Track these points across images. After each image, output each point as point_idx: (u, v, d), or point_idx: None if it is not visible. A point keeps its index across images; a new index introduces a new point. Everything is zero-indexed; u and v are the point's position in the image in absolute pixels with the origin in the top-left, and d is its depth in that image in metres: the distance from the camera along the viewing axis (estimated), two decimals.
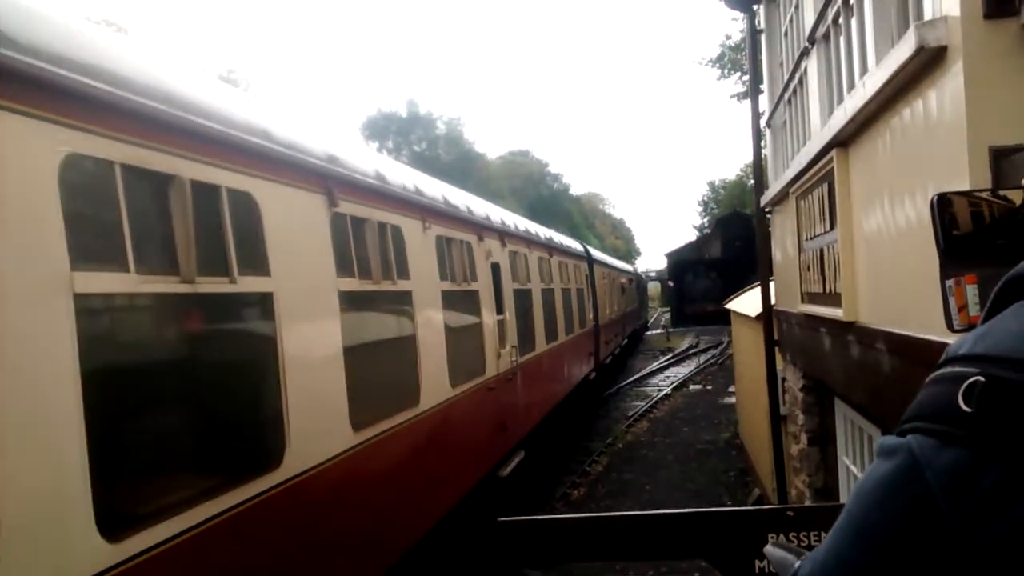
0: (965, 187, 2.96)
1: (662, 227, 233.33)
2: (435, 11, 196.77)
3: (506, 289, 10.96)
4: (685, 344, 43.05)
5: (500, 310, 10.48)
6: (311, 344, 5.11)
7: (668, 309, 64.23)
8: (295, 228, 5.04)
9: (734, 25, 32.14)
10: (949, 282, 1.31)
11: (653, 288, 78.31)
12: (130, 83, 3.57)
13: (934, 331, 3.24)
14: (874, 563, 0.86)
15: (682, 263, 57.40)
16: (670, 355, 37.65)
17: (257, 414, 4.59)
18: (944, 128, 3.36)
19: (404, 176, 7.54)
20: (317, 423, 5.02)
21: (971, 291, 1.29)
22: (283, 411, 4.60)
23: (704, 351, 37.56)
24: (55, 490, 2.96)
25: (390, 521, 6.27)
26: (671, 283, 59.73)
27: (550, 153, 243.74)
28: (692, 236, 72.39)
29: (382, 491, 6.19)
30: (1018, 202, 1.24)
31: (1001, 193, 1.27)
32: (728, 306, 18.47)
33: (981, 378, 0.82)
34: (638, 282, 49.79)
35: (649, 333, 53.81)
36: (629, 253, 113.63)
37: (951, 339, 0.98)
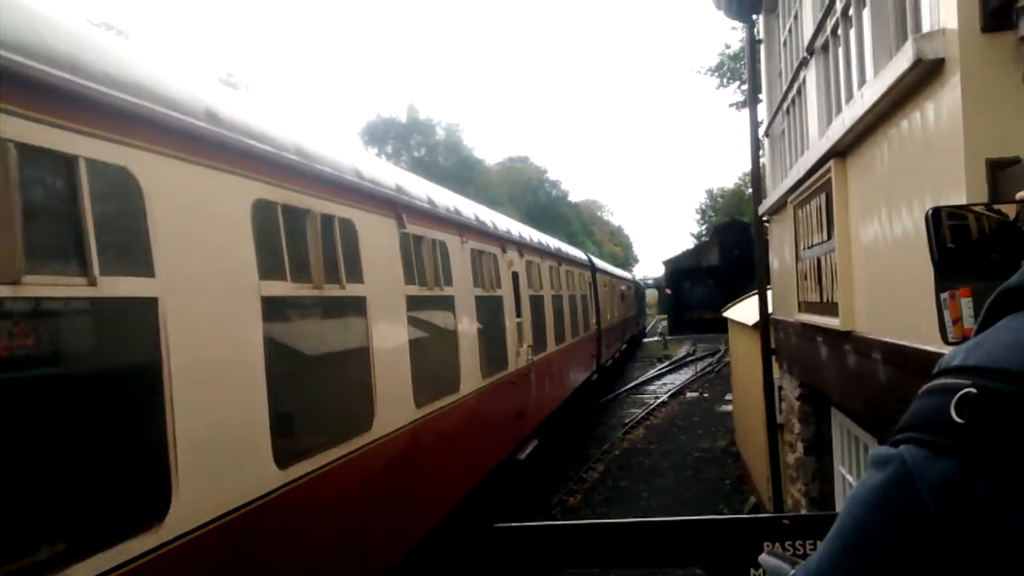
0: (962, 198, 2.98)
1: (660, 234, 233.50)
2: (435, 17, 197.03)
3: (523, 295, 12.34)
4: (682, 352, 43.12)
5: (519, 313, 11.84)
6: (389, 338, 6.54)
7: (665, 316, 64.14)
8: (378, 246, 6.48)
9: (733, 35, 32.21)
10: (944, 295, 1.32)
11: (651, 295, 78.22)
12: (285, 144, 4.99)
13: (930, 341, 3.26)
14: (866, 571, 0.87)
15: (680, 270, 57.18)
16: (667, 363, 37.71)
17: (359, 388, 6.01)
18: (941, 140, 3.38)
19: (447, 199, 9.02)
20: (394, 399, 6.49)
21: (965, 304, 1.30)
22: (373, 388, 6.07)
23: (701, 359, 37.60)
24: (250, 436, 4.38)
25: (441, 482, 7.78)
26: (668, 290, 59.63)
27: (549, 160, 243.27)
28: (690, 244, 72.17)
29: (434, 457, 7.59)
30: (1012, 216, 1.25)
31: (995, 207, 1.29)
32: (725, 314, 18.49)
33: (973, 390, 0.83)
34: (636, 289, 50.64)
35: (646, 340, 53.84)
36: (627, 260, 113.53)
37: (947, 350, 1.00)
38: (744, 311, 14.25)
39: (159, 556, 3.45)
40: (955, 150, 3.17)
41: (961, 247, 1.27)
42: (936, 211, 1.28)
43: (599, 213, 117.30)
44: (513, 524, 4.30)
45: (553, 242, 17.36)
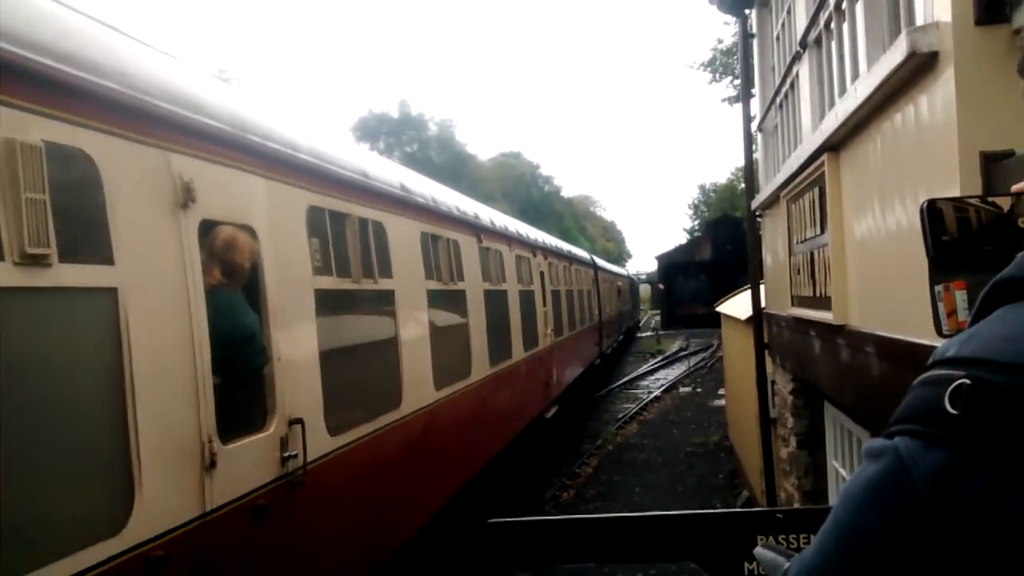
0: (956, 192, 2.98)
1: (653, 230, 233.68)
2: (427, 11, 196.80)
3: (547, 290, 15.47)
4: (675, 347, 43.14)
5: (544, 304, 14.96)
6: (475, 318, 9.62)
7: (658, 311, 64.19)
8: (469, 257, 9.58)
9: (726, 29, 32.18)
10: (938, 288, 1.31)
11: (644, 290, 78.34)
12: (430, 196, 8.25)
13: (924, 335, 3.26)
14: (861, 564, 0.87)
15: (673, 266, 57.44)
16: (660, 357, 37.73)
17: (464, 350, 9.10)
18: (935, 133, 3.38)
19: (502, 218, 12.82)
20: (479, 359, 9.57)
21: (960, 297, 1.30)
22: (470, 350, 9.25)
23: (694, 354, 37.61)
24: (425, 372, 7.44)
25: (506, 418, 11.33)
26: (661, 286, 59.74)
27: (542, 155, 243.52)
28: (683, 239, 72.46)
29: (500, 402, 10.95)
30: (1006, 208, 1.25)
31: (990, 199, 1.28)
32: (718, 309, 18.52)
33: (967, 381, 0.82)
34: (631, 285, 51.37)
35: (639, 335, 53.98)
36: (620, 255, 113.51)
37: (941, 343, 0.99)
38: (737, 306, 14.26)
39: (398, 423, 6.61)
40: (949, 143, 3.17)
41: (956, 240, 1.27)
42: (931, 204, 1.28)
43: (592, 208, 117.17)
44: (507, 519, 4.30)
45: (566, 246, 21.29)
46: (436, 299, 8.01)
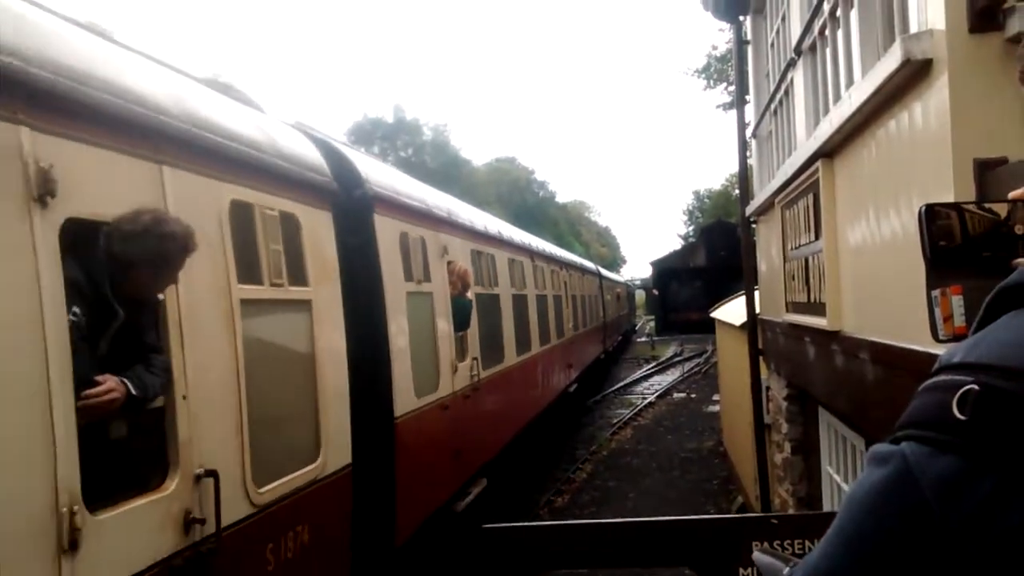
0: (950, 199, 2.98)
1: (647, 235, 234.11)
2: (422, 17, 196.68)
3: (569, 294, 20.37)
4: (669, 352, 43.13)
5: (567, 305, 19.83)
6: (532, 313, 14.21)
7: (652, 317, 64.17)
8: (528, 272, 14.41)
9: (720, 36, 32.26)
10: (935, 292, 1.31)
11: (638, 296, 78.39)
12: (522, 239, 15.60)
13: (918, 341, 3.27)
14: (866, 571, 0.86)
15: (667, 271, 57.44)
16: (654, 363, 37.71)
17: (527, 333, 13.65)
18: (929, 140, 3.39)
19: (543, 244, 18.56)
20: (534, 339, 14.20)
21: (956, 302, 1.30)
22: (529, 333, 13.78)
23: (688, 359, 37.62)
24: (511, 343, 12.24)
25: (546, 385, 15.60)
26: (656, 291, 59.76)
27: (536, 160, 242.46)
28: (677, 245, 72.52)
29: (546, 370, 15.40)
30: (1003, 214, 1.25)
31: (987, 205, 1.28)
32: (713, 315, 18.54)
33: (975, 386, 0.82)
34: (628, 291, 53.85)
35: (634, 339, 54.06)
36: (615, 261, 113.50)
37: (935, 349, 0.99)
38: (731, 312, 14.29)
39: (504, 369, 11.47)
40: (943, 150, 3.18)
41: (953, 245, 1.27)
42: (929, 208, 1.28)
43: (586, 214, 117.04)
44: (501, 525, 4.29)
45: (580, 260, 28.09)
46: (514, 300, 12.55)
